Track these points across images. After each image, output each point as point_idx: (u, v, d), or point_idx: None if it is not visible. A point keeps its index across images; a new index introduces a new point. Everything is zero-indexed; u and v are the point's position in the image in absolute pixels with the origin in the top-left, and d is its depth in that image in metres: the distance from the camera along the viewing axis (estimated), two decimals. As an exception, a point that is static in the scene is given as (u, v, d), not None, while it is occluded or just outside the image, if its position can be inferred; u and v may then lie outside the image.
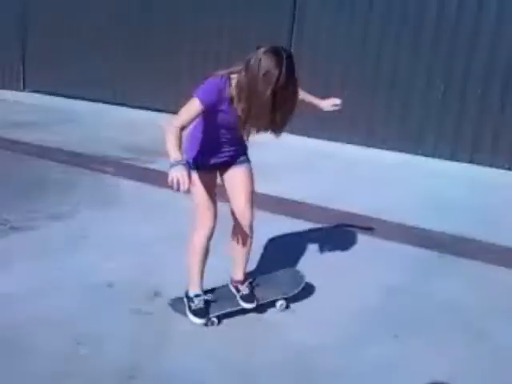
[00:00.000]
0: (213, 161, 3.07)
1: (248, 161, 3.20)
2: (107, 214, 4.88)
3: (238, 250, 3.28)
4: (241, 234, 3.22)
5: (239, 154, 3.16)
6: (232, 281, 3.35)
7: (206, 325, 3.11)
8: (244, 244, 3.25)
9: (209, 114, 2.87)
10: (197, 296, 3.15)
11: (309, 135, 7.87)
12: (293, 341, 3.06)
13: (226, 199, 3.23)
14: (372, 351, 3.02)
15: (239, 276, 3.32)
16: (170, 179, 2.65)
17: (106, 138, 7.91)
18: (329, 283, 3.78)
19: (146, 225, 4.61)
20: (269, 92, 2.62)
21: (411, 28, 7.72)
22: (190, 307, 3.14)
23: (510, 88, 7.24)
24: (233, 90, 2.79)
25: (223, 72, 2.85)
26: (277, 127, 2.85)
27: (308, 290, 3.58)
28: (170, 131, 2.79)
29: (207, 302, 3.18)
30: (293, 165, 6.93)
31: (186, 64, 9.56)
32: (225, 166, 3.15)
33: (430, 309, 3.55)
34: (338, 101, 3.40)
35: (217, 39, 9.24)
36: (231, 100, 2.81)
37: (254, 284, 3.35)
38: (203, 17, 9.34)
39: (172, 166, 2.68)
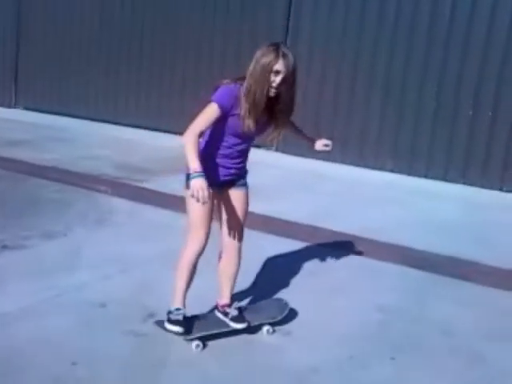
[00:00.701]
0: (218, 177, 3.06)
1: (246, 184, 3.24)
2: (101, 233, 4.86)
3: (226, 273, 3.28)
4: (229, 256, 3.24)
5: (242, 173, 3.19)
6: (218, 306, 3.31)
7: (184, 333, 3.05)
8: (232, 267, 3.26)
9: (222, 120, 2.93)
10: (177, 309, 3.11)
11: (302, 155, 7.91)
12: (288, 364, 3.03)
13: (216, 219, 3.22)
14: (368, 373, 3.00)
15: (225, 300, 3.29)
16: (190, 191, 2.76)
17: (100, 156, 7.90)
18: (323, 305, 3.77)
19: (140, 244, 4.59)
20: (267, 78, 2.82)
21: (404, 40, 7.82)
22: (168, 319, 3.10)
23: (501, 109, 7.34)
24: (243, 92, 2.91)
25: (232, 79, 2.98)
26: (277, 118, 3.01)
27: (300, 313, 3.56)
28: (188, 140, 2.85)
29: (188, 319, 3.14)
30: (286, 185, 6.95)
31: (176, 80, 9.61)
32: (225, 188, 3.16)
33: (425, 331, 3.54)
34: (329, 142, 3.46)
35: (209, 44, 9.27)
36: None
37: (241, 308, 3.34)
38: (198, 28, 9.38)
39: (193, 177, 2.77)
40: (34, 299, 3.48)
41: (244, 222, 3.24)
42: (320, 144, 3.45)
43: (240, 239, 3.24)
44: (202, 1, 9.33)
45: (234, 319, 3.22)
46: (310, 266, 4.40)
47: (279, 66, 2.84)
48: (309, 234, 5.16)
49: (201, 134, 2.91)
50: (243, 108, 2.90)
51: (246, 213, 3.25)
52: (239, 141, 3.05)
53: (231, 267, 3.27)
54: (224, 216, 3.22)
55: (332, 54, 8.27)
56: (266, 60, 2.84)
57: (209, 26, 9.24)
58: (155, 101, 9.86)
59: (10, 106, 11.60)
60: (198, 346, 3.09)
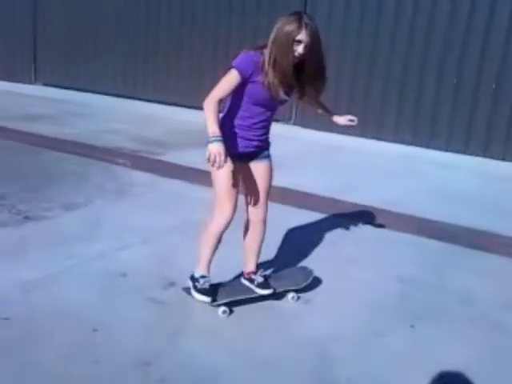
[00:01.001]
0: (241, 149, 3.04)
1: (270, 156, 3.21)
2: (121, 204, 4.90)
3: (251, 243, 3.30)
4: (254, 227, 3.26)
5: (265, 145, 3.16)
6: (244, 273, 3.35)
7: (212, 301, 3.09)
8: (257, 237, 3.28)
9: (243, 86, 2.90)
10: (202, 277, 3.15)
11: (320, 129, 7.86)
12: (308, 331, 3.05)
13: (242, 191, 3.21)
14: (388, 341, 3.00)
15: (251, 267, 3.33)
16: (207, 154, 2.75)
17: (119, 130, 7.94)
18: (343, 274, 3.78)
19: (159, 215, 4.62)
20: (290, 47, 2.78)
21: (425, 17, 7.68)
22: (195, 287, 3.14)
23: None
24: (265, 61, 2.87)
25: (252, 47, 2.94)
26: (303, 87, 2.98)
27: (323, 282, 3.58)
28: (208, 106, 2.84)
29: (214, 287, 3.18)
30: (305, 158, 6.92)
31: (197, 58, 9.58)
32: (248, 159, 3.13)
33: (445, 301, 3.53)
34: (354, 118, 3.37)
35: (226, 31, 9.23)
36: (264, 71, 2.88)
37: (266, 275, 3.37)
38: (214, 11, 9.34)
39: (210, 141, 2.76)
40: (56, 268, 3.53)
41: (268, 195, 3.23)
42: (344, 119, 3.38)
43: (265, 211, 3.24)
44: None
45: (260, 285, 3.25)
46: (330, 237, 4.39)
47: (301, 35, 2.79)
48: (328, 205, 5.15)
49: (220, 102, 2.88)
50: (273, 76, 2.86)
51: (270, 185, 3.23)
52: (261, 110, 3.00)
53: (256, 238, 3.28)
54: (248, 188, 3.22)
55: (350, 32, 8.15)
56: (288, 29, 2.79)
57: (225, 8, 9.17)
58: (174, 76, 9.84)
59: (29, 83, 11.67)
60: (224, 311, 3.12)
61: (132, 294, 3.30)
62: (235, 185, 3.05)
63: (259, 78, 2.89)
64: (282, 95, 2.94)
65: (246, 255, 3.34)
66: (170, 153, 6.70)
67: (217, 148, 2.74)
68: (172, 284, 3.42)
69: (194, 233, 3.34)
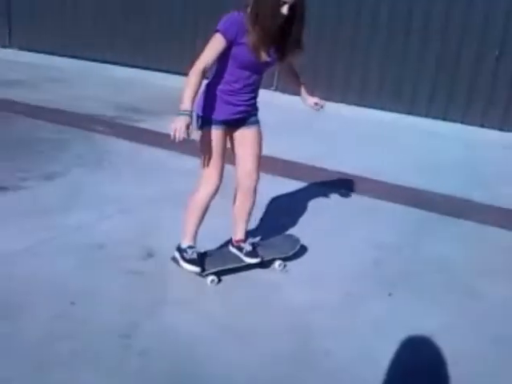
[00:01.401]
0: (228, 115, 2.99)
1: (258, 122, 3.17)
2: (100, 173, 4.85)
3: (240, 211, 3.29)
4: (244, 195, 3.23)
5: (252, 110, 3.11)
6: (233, 241, 3.36)
7: (201, 273, 3.11)
8: (246, 205, 3.27)
9: (229, 50, 2.83)
10: (190, 247, 3.16)
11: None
12: (288, 301, 3.08)
13: (230, 160, 3.18)
14: (365, 308, 3.06)
15: (240, 235, 3.34)
16: (170, 126, 2.68)
17: (96, 96, 7.81)
18: (322, 243, 3.81)
19: (139, 185, 4.58)
20: (276, 4, 2.70)
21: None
22: (183, 257, 3.15)
23: (506, 48, 7.18)
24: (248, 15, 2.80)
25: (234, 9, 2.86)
26: (292, 43, 2.90)
27: (301, 251, 3.60)
28: (190, 77, 2.77)
29: (201, 256, 3.19)
30: (286, 124, 6.89)
31: (176, 21, 9.39)
32: (236, 125, 3.09)
33: (422, 267, 3.59)
34: (322, 102, 3.28)
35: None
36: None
37: (255, 243, 3.39)
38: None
39: (178, 114, 2.71)
40: (33, 240, 3.50)
41: (258, 161, 3.19)
42: (312, 101, 3.29)
43: (255, 179, 3.20)
44: None
45: (248, 254, 3.28)
46: (309, 206, 4.41)
47: None
48: (308, 173, 5.16)
49: (206, 70, 2.80)
50: (255, 35, 2.78)
51: (260, 152, 3.19)
52: (246, 73, 2.93)
53: (245, 207, 3.27)
54: (237, 155, 3.18)
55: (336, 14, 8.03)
56: None
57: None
58: (152, 39, 9.64)
59: (4, 46, 11.36)
60: (212, 280, 3.15)
61: (111, 265, 3.29)
62: (221, 153, 3.02)
63: (244, 39, 2.81)
64: (263, 56, 2.87)
65: (236, 222, 3.34)
66: (150, 120, 6.61)
67: (181, 123, 2.67)
68: (151, 255, 3.42)
69: (174, 203, 3.33)
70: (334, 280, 3.35)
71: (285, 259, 3.43)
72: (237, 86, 2.96)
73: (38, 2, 10.79)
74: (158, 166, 5.12)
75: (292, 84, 3.36)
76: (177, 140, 2.69)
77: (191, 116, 2.73)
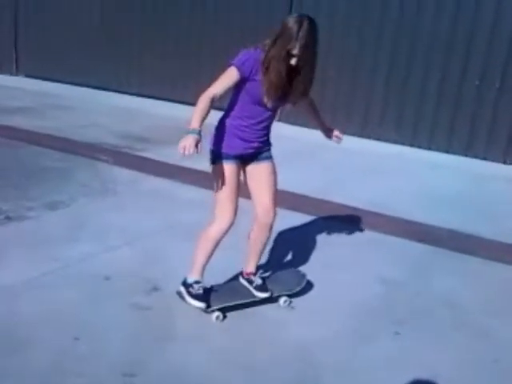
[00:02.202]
0: (240, 150, 3.01)
1: (271, 157, 3.18)
2: (104, 203, 4.84)
3: (255, 244, 3.29)
4: (261, 230, 3.23)
5: (265, 146, 3.13)
6: (244, 273, 3.36)
7: (206, 309, 3.07)
8: (262, 239, 3.27)
9: (243, 85, 2.87)
10: (196, 282, 3.13)
11: (305, 125, 7.83)
12: (294, 336, 3.04)
13: (242, 194, 3.16)
14: (373, 347, 3.01)
15: (251, 268, 3.33)
16: (180, 144, 2.68)
17: (101, 124, 7.84)
18: (328, 278, 3.77)
19: (143, 216, 4.57)
20: (289, 46, 2.75)
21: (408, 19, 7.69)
22: (189, 293, 3.12)
23: (506, 81, 7.24)
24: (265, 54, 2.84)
25: (253, 46, 2.89)
26: (299, 91, 2.94)
27: (307, 286, 3.56)
28: (200, 101, 2.80)
29: (207, 291, 3.16)
30: (290, 156, 6.89)
31: (181, 52, 9.49)
32: (249, 160, 3.11)
33: (429, 304, 3.55)
34: (341, 135, 3.41)
35: (212, 26, 9.16)
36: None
37: (265, 277, 3.38)
38: (201, 5, 9.25)
39: (188, 132, 2.73)
40: (38, 271, 3.47)
41: (275, 197, 3.19)
42: (333, 134, 3.40)
43: (272, 216, 3.20)
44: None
45: (258, 288, 3.27)
46: (315, 240, 4.39)
47: (295, 50, 2.76)
48: (314, 207, 5.13)
49: (215, 99, 2.81)
50: (266, 80, 2.83)
51: (276, 186, 3.20)
52: (260, 109, 2.96)
53: (260, 239, 3.27)
54: (253, 190, 3.18)
55: (336, 31, 8.11)
56: (284, 42, 2.76)
57: (211, 2, 9.11)
58: (157, 69, 9.73)
59: (11, 74, 11.47)
60: (218, 317, 3.10)
61: (116, 298, 3.26)
62: (235, 187, 3.03)
63: (258, 76, 2.84)
64: (273, 99, 2.90)
65: (249, 254, 3.34)
66: (154, 149, 6.63)
67: (189, 139, 2.67)
68: (156, 288, 3.39)
69: (178, 233, 3.31)
70: (341, 316, 3.31)
71: (291, 295, 3.39)
72: (250, 121, 2.98)
73: (44, 30, 10.93)
74: (162, 195, 5.11)
75: (312, 120, 3.41)
76: (185, 155, 2.68)
77: (200, 134, 2.74)
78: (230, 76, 2.83)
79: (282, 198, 5.17)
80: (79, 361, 2.66)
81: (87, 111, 8.79)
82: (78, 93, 10.07)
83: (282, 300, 3.35)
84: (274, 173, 3.19)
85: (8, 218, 4.27)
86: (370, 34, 7.94)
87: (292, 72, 2.85)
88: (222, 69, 2.88)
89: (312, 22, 2.79)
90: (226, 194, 3.00)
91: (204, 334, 3.00)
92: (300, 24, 2.75)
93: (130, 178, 5.61)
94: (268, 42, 2.84)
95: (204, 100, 2.79)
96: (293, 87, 2.92)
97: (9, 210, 4.42)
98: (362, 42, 8.02)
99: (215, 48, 8.95)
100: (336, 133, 3.38)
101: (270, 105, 2.94)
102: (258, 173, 3.14)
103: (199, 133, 2.73)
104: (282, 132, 7.98)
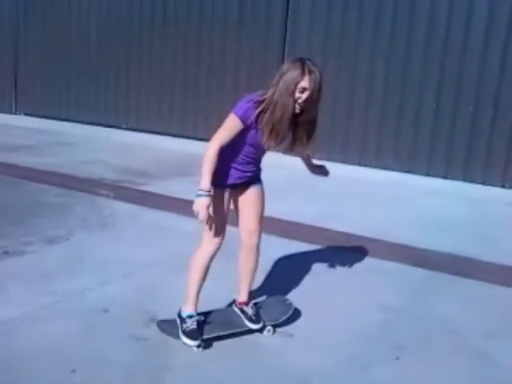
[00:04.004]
0: (233, 180, 3.07)
1: (261, 182, 3.24)
2: (103, 237, 4.85)
3: (244, 270, 3.30)
4: (247, 254, 3.26)
5: (256, 176, 3.20)
6: (237, 302, 3.35)
7: (198, 346, 3.07)
8: (250, 264, 3.28)
9: (241, 131, 2.92)
10: (190, 317, 3.13)
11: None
12: (292, 365, 3.02)
13: (232, 221, 3.21)
14: (373, 374, 2.98)
15: (244, 297, 3.33)
16: (193, 208, 2.85)
17: (101, 160, 7.91)
18: (327, 305, 3.76)
19: (142, 248, 4.57)
20: (292, 94, 2.79)
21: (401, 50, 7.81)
22: (183, 330, 3.10)
23: (499, 106, 7.31)
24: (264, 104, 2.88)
25: (255, 93, 2.94)
26: (301, 142, 2.99)
27: (306, 313, 3.55)
28: (209, 154, 2.87)
29: (200, 324, 3.15)
30: (288, 185, 6.93)
31: (179, 87, 9.62)
32: (240, 188, 3.16)
33: (430, 329, 3.52)
34: (326, 170, 3.47)
35: (208, 58, 9.31)
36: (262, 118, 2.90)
37: (258, 305, 3.38)
38: (196, 37, 9.41)
39: (199, 195, 2.84)
40: (36, 305, 3.47)
41: (261, 219, 3.24)
42: (318, 170, 3.46)
43: (258, 237, 3.24)
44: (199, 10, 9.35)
45: (250, 319, 3.26)
46: (313, 267, 4.38)
47: (305, 82, 2.79)
48: (313, 234, 5.15)
49: (221, 148, 2.89)
50: (267, 125, 2.86)
51: (263, 210, 3.25)
52: (255, 151, 3.04)
53: (249, 265, 3.28)
54: (240, 214, 3.23)
55: (330, 57, 8.25)
56: (291, 75, 2.80)
57: (207, 33, 9.26)
58: (156, 104, 9.86)
59: (10, 113, 11.62)
60: (199, 346, 3.08)
61: (114, 331, 3.24)
62: (224, 214, 3.08)
63: (258, 124, 2.91)
64: (274, 144, 2.93)
65: (239, 282, 3.34)
66: (153, 183, 6.67)
67: (202, 204, 2.82)
68: (154, 320, 3.35)
69: (178, 266, 3.32)
70: (339, 343, 3.28)
71: (284, 323, 3.36)
72: (246, 158, 3.05)
73: (43, 68, 11.11)
74: (161, 228, 5.13)
75: (305, 162, 3.45)
76: (200, 221, 2.83)
77: (210, 195, 2.84)
78: (234, 127, 2.89)
79: (279, 227, 5.24)
80: (76, 393, 2.64)
81: (87, 148, 8.88)
82: (77, 130, 10.18)
83: (266, 330, 3.30)
84: (263, 198, 3.24)
85: (6, 253, 4.27)
86: (364, 62, 8.05)
87: (295, 116, 2.89)
88: (222, 115, 2.94)
89: (313, 63, 2.85)
90: (215, 220, 3.03)
91: (201, 365, 2.97)
92: (302, 62, 2.81)
93: (130, 211, 5.63)
94: (267, 89, 2.88)
95: (211, 157, 2.86)
96: (295, 134, 2.97)
97: (7, 245, 4.43)
98: (356, 71, 8.13)
99: (211, 83, 9.09)
100: (320, 164, 3.44)
101: (268, 148, 2.99)
102: (246, 198, 3.19)
103: (209, 194, 2.84)
104: (279, 161, 8.06)
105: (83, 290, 3.74)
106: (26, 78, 11.43)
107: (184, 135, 8.81)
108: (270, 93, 2.87)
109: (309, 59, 2.86)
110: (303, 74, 2.79)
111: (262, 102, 2.88)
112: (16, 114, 11.60)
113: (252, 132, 2.94)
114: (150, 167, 7.61)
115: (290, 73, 2.80)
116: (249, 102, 2.89)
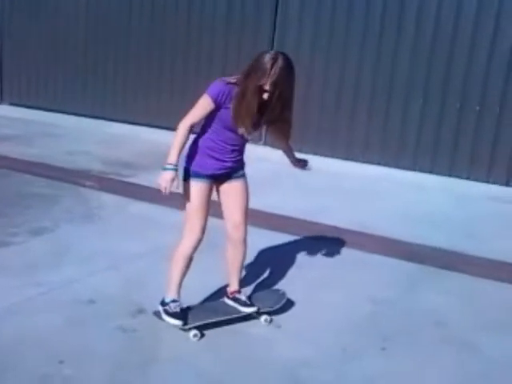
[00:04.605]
0: (213, 170, 3.09)
1: (245, 176, 3.26)
2: (89, 228, 4.82)
3: (233, 263, 3.33)
4: (234, 247, 3.28)
5: (238, 166, 3.21)
6: (229, 293, 3.38)
7: (183, 327, 3.08)
8: (238, 256, 3.31)
9: (216, 112, 2.97)
10: (173, 301, 3.15)
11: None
12: (280, 356, 3.02)
13: (216, 213, 3.23)
14: (360, 365, 3.00)
15: (235, 286, 3.37)
16: (158, 180, 2.90)
17: (87, 151, 7.85)
18: (315, 297, 3.77)
19: (128, 239, 4.55)
20: (261, 82, 2.83)
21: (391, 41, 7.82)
22: (166, 311, 3.13)
23: (485, 103, 7.36)
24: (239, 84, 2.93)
25: (228, 76, 3.01)
26: (269, 120, 3.03)
27: (294, 305, 3.57)
28: (179, 131, 2.96)
29: (185, 310, 3.18)
30: (276, 179, 6.93)
31: (166, 78, 9.57)
32: (222, 179, 3.18)
33: (416, 322, 3.55)
34: (309, 166, 3.52)
35: (196, 51, 9.26)
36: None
37: (250, 296, 3.43)
38: (185, 30, 9.36)
39: (164, 168, 2.91)
40: (22, 296, 3.44)
41: (245, 213, 3.26)
42: (300, 165, 3.51)
43: (244, 231, 3.26)
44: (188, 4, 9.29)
45: (244, 304, 3.30)
46: (301, 260, 4.39)
47: (267, 86, 2.84)
48: (299, 227, 5.16)
49: (194, 126, 2.97)
50: (235, 109, 2.91)
51: (247, 204, 3.27)
52: (233, 135, 3.05)
53: (237, 258, 3.32)
54: (224, 207, 3.25)
55: (319, 52, 8.23)
56: (257, 76, 2.83)
57: (196, 27, 9.21)
58: (142, 96, 9.79)
59: (-5, 102, 11.47)
60: (195, 335, 3.09)
61: (101, 322, 3.23)
62: (205, 205, 3.10)
63: (230, 104, 2.94)
64: (247, 130, 2.98)
65: (229, 275, 3.38)
66: (139, 174, 6.63)
67: (166, 176, 2.88)
68: (142, 311, 3.36)
69: (164, 257, 3.31)
70: (326, 335, 3.29)
71: (271, 313, 3.38)
72: (222, 144, 3.07)
73: (28, 58, 10.95)
74: (146, 220, 5.10)
75: (286, 155, 3.48)
76: (164, 194, 2.88)
77: (176, 170, 2.89)
78: (205, 106, 2.97)
79: (268, 220, 5.24)
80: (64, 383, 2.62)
81: (74, 139, 8.80)
82: (64, 120, 10.07)
83: (263, 318, 3.34)
84: (246, 191, 3.26)
85: (-9, 244, 4.23)
86: (352, 57, 8.05)
87: (263, 106, 2.93)
88: (198, 96, 2.99)
89: (287, 60, 2.87)
90: (195, 211, 3.06)
91: (189, 356, 2.97)
92: (274, 60, 2.82)
93: (116, 203, 5.60)
94: (242, 74, 2.93)
95: (182, 132, 2.95)
96: (263, 118, 3.00)
97: (-8, 236, 4.38)
98: (344, 66, 8.12)
99: (199, 75, 9.04)
100: (302, 162, 3.49)
101: (240, 132, 3.01)
102: (229, 190, 3.21)
103: (175, 168, 2.89)
104: (267, 155, 8.07)
105: (69, 282, 3.71)
106: (11, 67, 11.26)
107: (171, 128, 8.73)
108: (241, 80, 2.91)
109: (282, 53, 2.87)
110: (268, 75, 2.81)
111: (235, 82, 2.93)
112: (1, 103, 11.45)
113: (225, 113, 2.96)
114: (137, 159, 7.56)
115: (258, 73, 2.82)
116: (221, 82, 2.95)
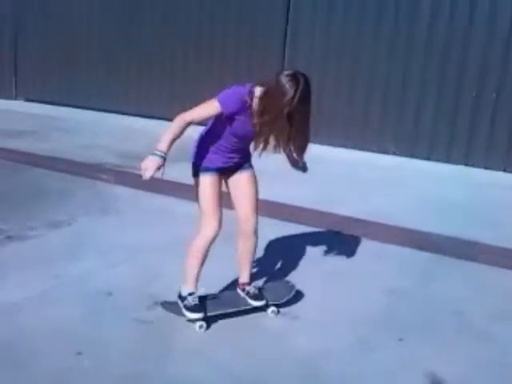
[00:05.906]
0: (221, 164, 3.11)
1: (252, 167, 3.27)
2: (105, 221, 4.85)
3: (244, 254, 3.34)
4: (245, 238, 3.29)
5: (244, 161, 3.23)
6: (239, 284, 3.39)
7: (200, 327, 3.10)
8: (249, 248, 3.32)
9: (226, 120, 2.95)
10: (190, 294, 3.16)
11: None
12: (297, 347, 3.03)
13: (230, 205, 3.25)
14: (377, 356, 2.99)
15: (245, 278, 3.37)
16: (142, 164, 2.83)
17: (102, 145, 7.89)
18: (330, 288, 3.77)
19: (144, 232, 4.58)
20: (285, 110, 2.75)
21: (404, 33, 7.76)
22: (185, 305, 3.14)
23: (502, 91, 7.27)
24: (255, 103, 2.86)
25: (248, 84, 2.92)
26: (292, 147, 3.10)
27: (309, 297, 3.56)
28: (176, 122, 2.89)
29: (202, 300, 3.19)
30: (289, 170, 6.91)
31: (180, 71, 9.58)
32: (229, 173, 3.20)
33: (433, 312, 3.53)
34: (306, 167, 3.56)
35: (209, 46, 9.27)
36: (251, 111, 2.88)
37: (260, 287, 3.42)
38: (197, 25, 9.36)
39: (152, 154, 2.84)
40: (40, 289, 3.48)
41: (255, 204, 3.25)
42: (297, 165, 3.50)
43: (254, 223, 3.26)
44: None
45: (253, 296, 3.30)
46: (316, 251, 4.38)
47: (290, 108, 2.76)
48: (314, 218, 5.14)
49: (192, 123, 2.90)
50: (263, 135, 2.87)
51: (257, 195, 3.27)
52: (240, 141, 3.07)
53: (248, 249, 3.32)
54: (234, 199, 3.26)
55: (333, 43, 8.20)
56: (281, 100, 2.74)
57: (208, 22, 9.21)
58: (156, 89, 9.82)
59: (11, 98, 11.57)
60: (201, 326, 3.11)
61: (118, 314, 3.25)
62: (217, 198, 3.11)
63: (244, 117, 2.90)
64: (259, 149, 2.95)
65: (240, 265, 3.38)
66: (155, 167, 6.64)
67: (152, 161, 2.79)
68: (158, 303, 3.37)
69: (180, 250, 3.32)
70: (342, 325, 3.29)
71: (287, 305, 3.39)
72: (230, 147, 3.08)
73: (43, 53, 11.04)
74: (162, 212, 5.13)
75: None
76: (144, 178, 2.80)
77: (164, 158, 2.83)
78: (210, 110, 2.90)
79: (280, 210, 5.23)
80: (82, 374, 2.66)
81: (89, 133, 8.86)
82: (79, 115, 10.15)
83: (270, 310, 3.35)
84: (255, 181, 3.26)
85: (9, 238, 4.28)
86: (367, 47, 8.00)
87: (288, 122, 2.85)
88: (209, 96, 2.93)
89: (307, 81, 2.80)
90: (209, 204, 3.08)
91: (205, 347, 2.99)
92: (296, 82, 2.74)
93: (132, 196, 5.63)
94: (259, 89, 2.85)
95: (179, 123, 2.88)
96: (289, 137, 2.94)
97: (10, 229, 4.43)
98: (357, 55, 8.08)
99: (212, 70, 9.05)
100: (304, 165, 3.53)
101: (255, 149, 3.00)
102: (238, 183, 3.22)
103: (164, 156, 2.83)
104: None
105: (87, 274, 3.75)
106: (26, 63, 11.36)
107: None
108: (264, 96, 2.81)
109: (302, 75, 2.79)
110: (292, 98, 2.73)
111: (251, 92, 2.85)
112: (17, 99, 11.56)
113: (238, 124, 2.94)
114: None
115: (283, 97, 2.73)
116: (236, 92, 2.88)
